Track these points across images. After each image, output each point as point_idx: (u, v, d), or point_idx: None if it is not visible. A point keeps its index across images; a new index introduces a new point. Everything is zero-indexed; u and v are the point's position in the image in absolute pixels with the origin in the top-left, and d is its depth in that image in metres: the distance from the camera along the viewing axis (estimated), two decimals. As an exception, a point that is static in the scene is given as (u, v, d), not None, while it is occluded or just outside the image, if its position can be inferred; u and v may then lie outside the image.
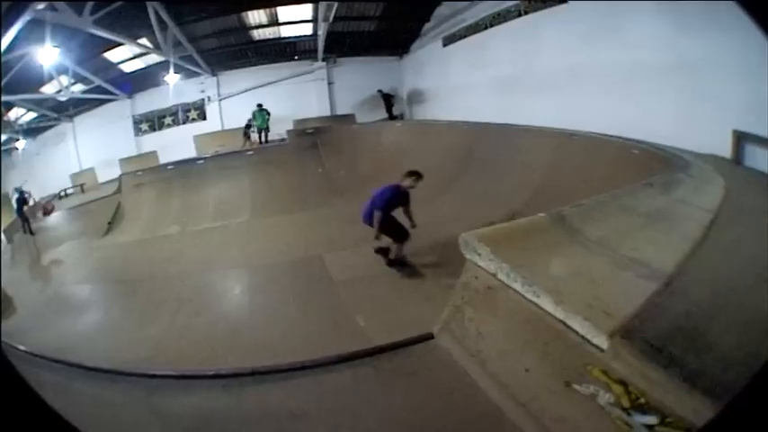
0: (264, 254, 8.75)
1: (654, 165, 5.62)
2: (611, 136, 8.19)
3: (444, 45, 18.35)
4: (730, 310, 1.58)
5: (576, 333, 1.34)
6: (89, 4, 11.90)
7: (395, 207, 6.91)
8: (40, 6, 10.86)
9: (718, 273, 1.80)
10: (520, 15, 13.25)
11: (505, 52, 13.45)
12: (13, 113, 20.34)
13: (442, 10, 18.00)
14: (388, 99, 21.24)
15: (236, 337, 5.46)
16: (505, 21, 13.84)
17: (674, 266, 1.62)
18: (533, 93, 12.11)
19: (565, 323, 1.36)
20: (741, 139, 7.05)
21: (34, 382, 1.88)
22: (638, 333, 1.30)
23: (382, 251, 7.01)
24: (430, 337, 2.00)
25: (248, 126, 20.01)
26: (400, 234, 6.87)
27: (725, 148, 7.20)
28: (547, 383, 1.50)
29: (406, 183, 6.79)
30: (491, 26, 14.56)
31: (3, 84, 15.20)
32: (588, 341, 1.29)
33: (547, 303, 1.43)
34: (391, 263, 6.99)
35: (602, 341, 1.27)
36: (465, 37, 16.41)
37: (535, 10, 12.58)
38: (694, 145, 7.51)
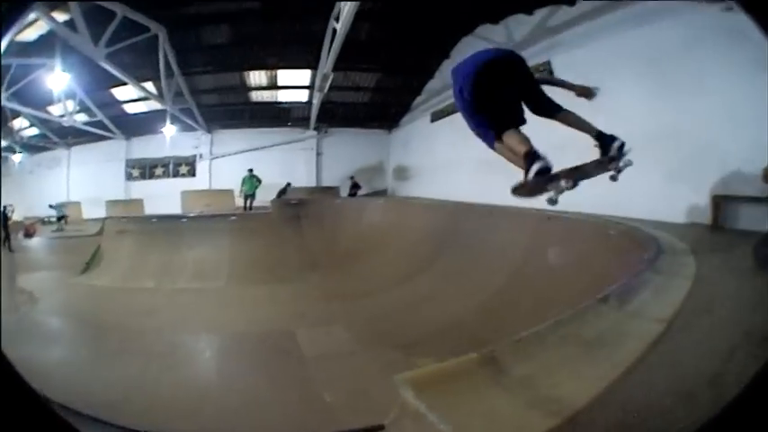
0: (237, 322, 8.70)
1: (627, 247, 5.70)
2: (590, 215, 8.22)
3: (432, 120, 18.68)
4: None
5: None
6: (105, 36, 12.34)
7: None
8: (61, 19, 11.17)
9: (637, 396, 1.86)
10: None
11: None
12: (17, 124, 20.87)
13: (433, 84, 18.49)
14: (354, 186, 21.94)
15: (204, 400, 5.43)
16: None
17: (588, 400, 1.70)
18: (518, 171, 12.28)
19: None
20: (720, 202, 7.34)
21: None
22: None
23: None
24: (381, 427, 2.08)
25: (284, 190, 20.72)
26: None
27: (705, 214, 7.49)
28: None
29: None
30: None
31: (15, 90, 15.51)
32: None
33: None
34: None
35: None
36: (453, 113, 16.48)
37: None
38: (675, 215, 7.78)
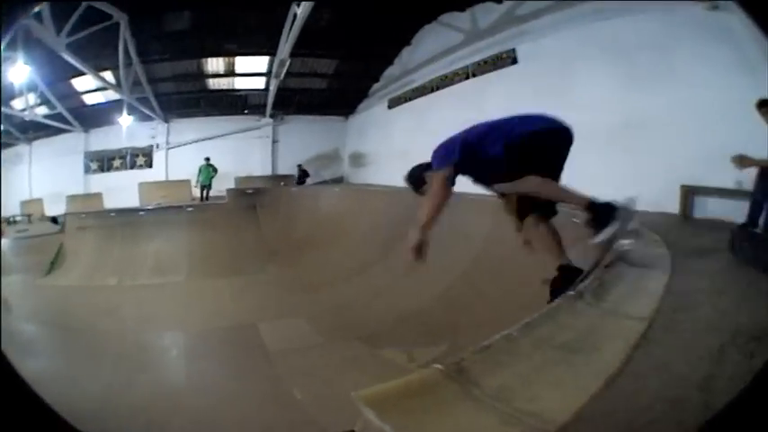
0: (200, 318, 8.67)
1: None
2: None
3: (390, 107, 18.61)
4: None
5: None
6: (67, 26, 12.18)
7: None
8: (36, 8, 10.84)
9: (625, 407, 1.70)
10: (468, 78, 13.51)
11: (450, 117, 12.87)
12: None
13: (392, 70, 18.33)
14: (302, 174, 21.93)
15: (177, 400, 5.41)
16: (453, 83, 14.14)
17: (571, 413, 1.54)
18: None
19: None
20: (689, 192, 7.43)
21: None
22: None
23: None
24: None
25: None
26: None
27: (674, 203, 7.51)
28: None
29: None
30: (438, 89, 14.86)
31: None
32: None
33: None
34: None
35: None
36: (411, 100, 16.70)
37: (484, 72, 12.85)
38: (644, 204, 7.74)
